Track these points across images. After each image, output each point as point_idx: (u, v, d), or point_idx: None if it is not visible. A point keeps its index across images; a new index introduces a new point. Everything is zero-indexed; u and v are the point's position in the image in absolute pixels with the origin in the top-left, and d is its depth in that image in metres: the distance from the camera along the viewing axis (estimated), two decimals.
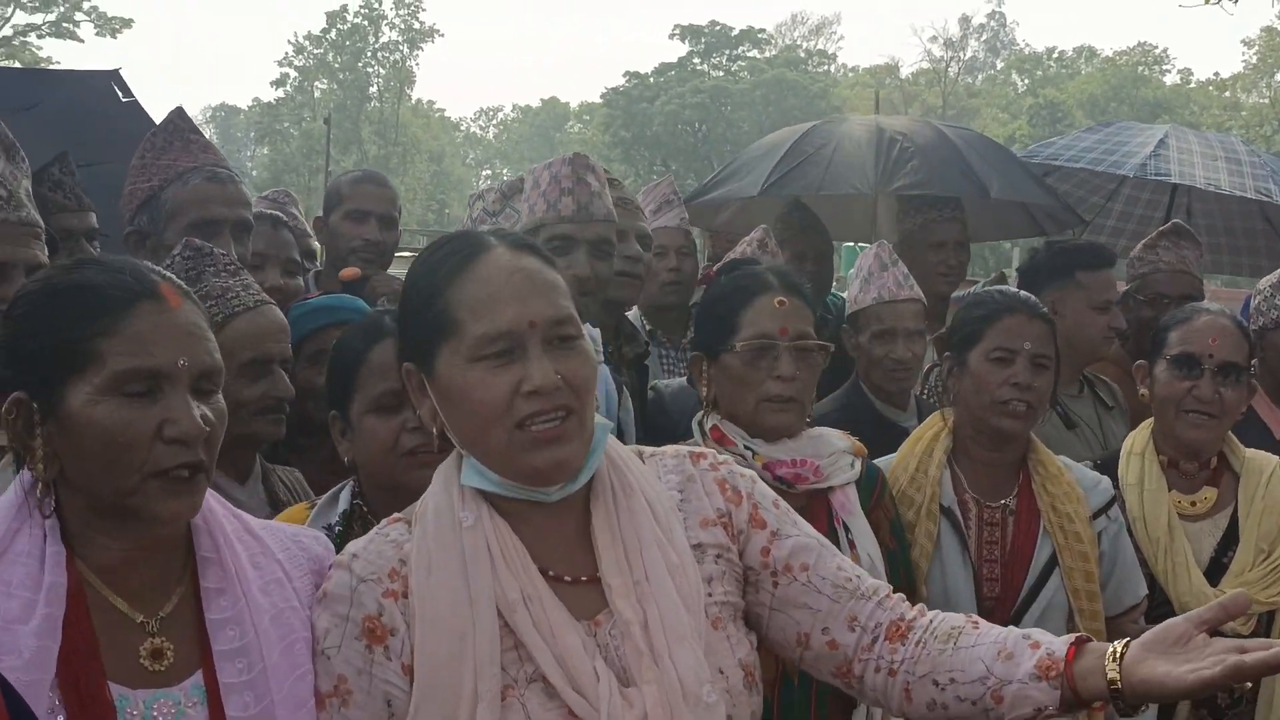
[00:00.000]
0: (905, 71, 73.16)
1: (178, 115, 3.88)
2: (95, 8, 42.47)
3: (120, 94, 5.48)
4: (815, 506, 3.09)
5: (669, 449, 2.24)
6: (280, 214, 4.46)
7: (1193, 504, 3.81)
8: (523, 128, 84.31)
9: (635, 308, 4.87)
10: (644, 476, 2.14)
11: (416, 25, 68.86)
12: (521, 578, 1.99)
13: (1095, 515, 3.52)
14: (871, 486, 3.31)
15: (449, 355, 2.00)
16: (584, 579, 2.04)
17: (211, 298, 3.01)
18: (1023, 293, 3.67)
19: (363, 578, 2.01)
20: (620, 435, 3.72)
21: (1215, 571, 3.71)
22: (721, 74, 67.15)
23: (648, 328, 5.06)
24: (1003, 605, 3.40)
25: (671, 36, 68.59)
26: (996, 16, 77.50)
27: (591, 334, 3.85)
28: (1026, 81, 73.64)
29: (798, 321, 3.14)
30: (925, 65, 74.62)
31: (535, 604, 1.97)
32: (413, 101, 71.65)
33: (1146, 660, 1.84)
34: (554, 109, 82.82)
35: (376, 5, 68.37)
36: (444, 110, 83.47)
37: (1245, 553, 3.73)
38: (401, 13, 68.51)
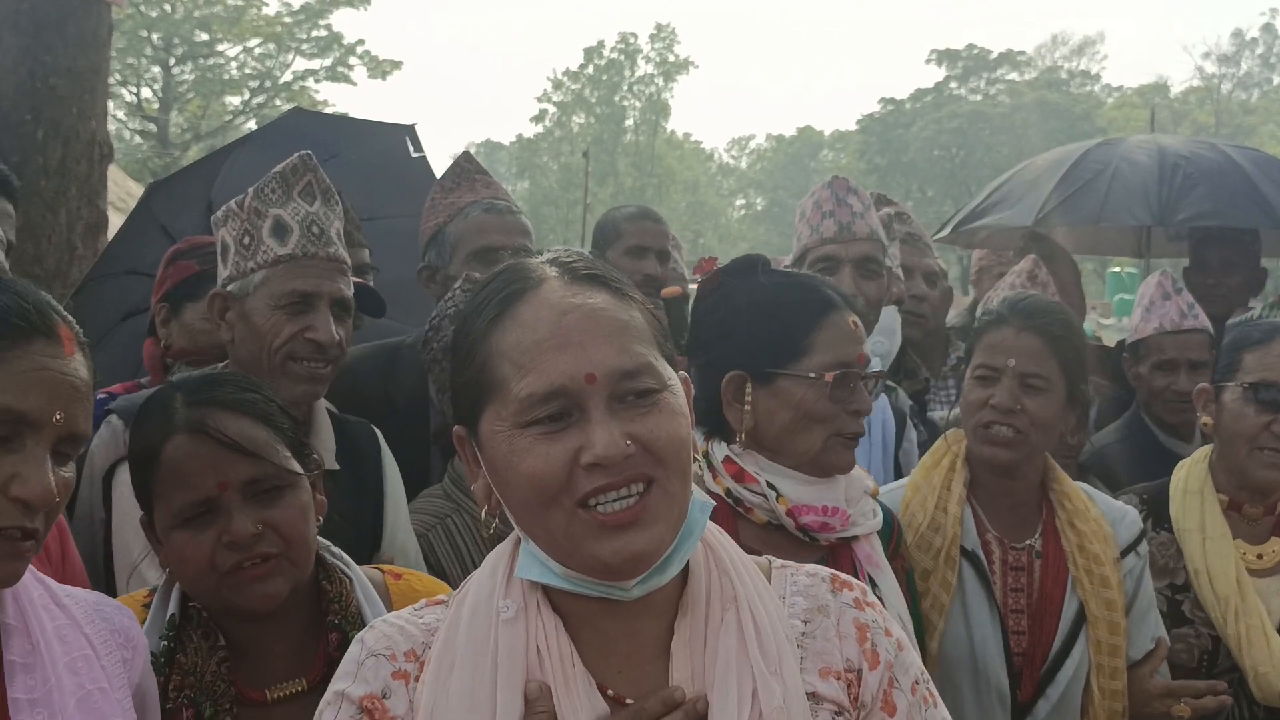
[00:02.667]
0: (1175, 90, 70.26)
1: (464, 158, 4.08)
2: (367, 51, 44.39)
3: (412, 149, 5.60)
4: (838, 557, 2.62)
5: (807, 566, 1.79)
6: (584, 252, 4.66)
7: (1259, 556, 3.28)
8: (777, 156, 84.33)
9: None
10: (757, 588, 1.68)
11: (671, 58, 69.72)
12: (564, 690, 1.56)
13: (1124, 553, 3.07)
14: (889, 533, 2.84)
15: (493, 420, 1.58)
16: None
17: None
18: (1028, 301, 3.14)
19: (373, 651, 1.64)
20: (900, 471, 3.67)
21: None
22: (980, 98, 65.79)
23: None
24: (1031, 663, 2.98)
25: (928, 61, 67.63)
26: (1271, 29, 73.76)
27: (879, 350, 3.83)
28: None
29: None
30: (1196, 83, 71.56)
31: None
32: (668, 133, 72.54)
33: None
34: (809, 137, 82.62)
35: (633, 40, 69.58)
36: (699, 141, 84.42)
37: None
38: (657, 46, 69.52)
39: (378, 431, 3.22)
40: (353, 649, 1.66)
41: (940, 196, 57.70)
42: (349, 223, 4.42)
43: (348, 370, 3.49)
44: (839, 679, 1.65)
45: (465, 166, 4.05)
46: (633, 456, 1.53)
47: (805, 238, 3.86)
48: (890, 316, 4.22)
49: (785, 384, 2.58)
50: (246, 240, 2.97)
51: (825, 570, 1.77)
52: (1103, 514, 3.08)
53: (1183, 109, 66.36)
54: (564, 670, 1.56)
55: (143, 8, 40.21)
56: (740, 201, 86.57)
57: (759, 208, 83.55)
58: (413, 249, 4.14)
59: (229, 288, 3.01)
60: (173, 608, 2.22)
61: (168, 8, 42.35)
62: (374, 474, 3.14)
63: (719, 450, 2.66)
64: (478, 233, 3.86)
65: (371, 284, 4.53)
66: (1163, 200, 6.02)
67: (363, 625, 2.18)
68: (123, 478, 2.54)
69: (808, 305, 2.65)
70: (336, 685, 1.64)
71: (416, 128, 5.85)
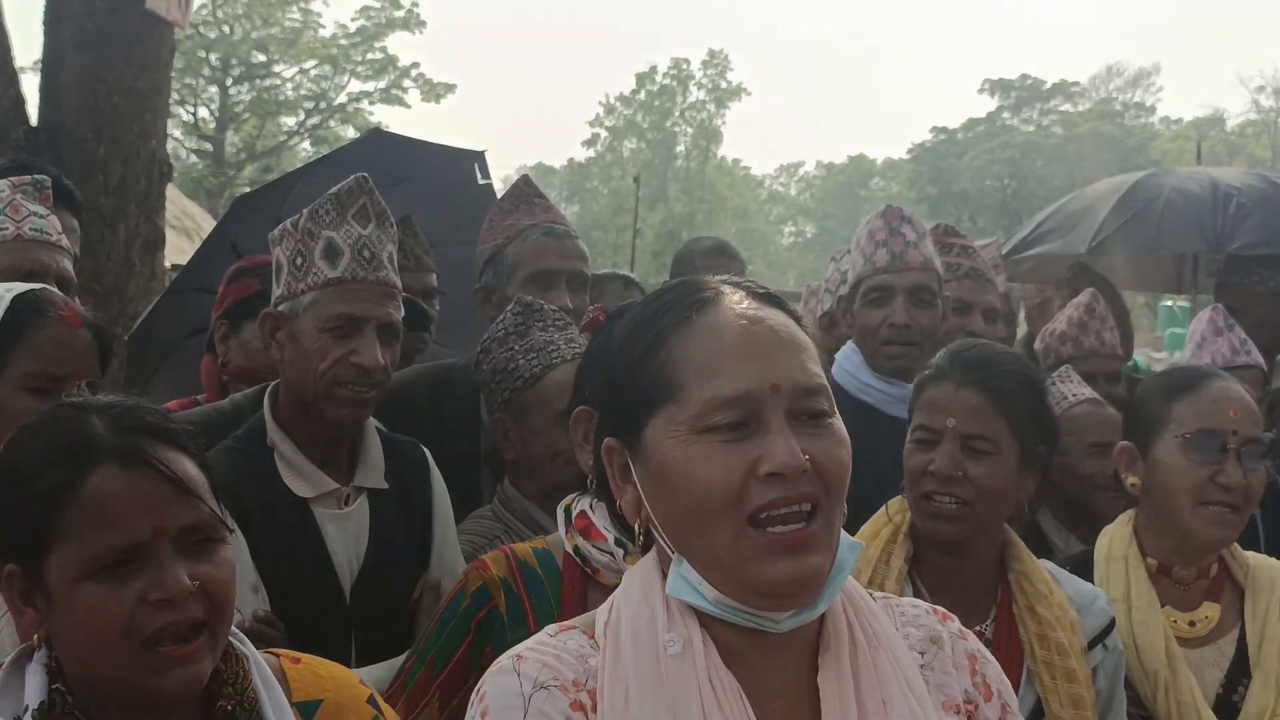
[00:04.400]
0: (1231, 123, 69.57)
1: (523, 181, 4.11)
2: (422, 74, 44.71)
3: (479, 175, 5.54)
4: None
5: (905, 599, 1.79)
6: (632, 276, 4.70)
7: (1191, 624, 2.96)
8: (827, 184, 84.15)
9: None
10: (886, 624, 1.68)
11: (724, 84, 69.74)
12: None
13: (1091, 644, 2.71)
14: None
15: (664, 425, 1.56)
16: None
17: (534, 350, 3.23)
18: (973, 352, 2.82)
19: (540, 683, 1.54)
20: None
21: (1223, 712, 2.87)
22: (1032, 128, 65.44)
23: None
24: None
25: (981, 91, 67.32)
26: None
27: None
28: None
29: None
30: (1253, 116, 70.90)
31: None
32: (718, 159, 72.54)
33: None
34: (860, 165, 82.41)
35: (685, 66, 69.64)
36: (749, 168, 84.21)
37: (1262, 690, 2.87)
38: (710, 73, 69.56)
39: (426, 451, 3.24)
40: (505, 681, 1.55)
41: (992, 227, 57.18)
42: (418, 246, 4.46)
43: (401, 391, 3.49)
44: (959, 712, 1.65)
45: (524, 189, 4.08)
46: (807, 473, 1.52)
47: (859, 267, 3.88)
48: None
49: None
50: (299, 260, 2.99)
51: (922, 603, 1.76)
52: (1068, 598, 2.74)
53: (1238, 142, 65.75)
54: (738, 710, 1.52)
55: (201, 29, 40.71)
56: (789, 229, 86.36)
57: (808, 235, 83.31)
58: (472, 275, 4.15)
59: (280, 308, 3.02)
60: (39, 694, 1.78)
61: (226, 29, 42.89)
62: (422, 493, 3.16)
63: (578, 504, 2.48)
64: (536, 256, 3.88)
65: (437, 307, 4.56)
66: (1217, 229, 5.99)
67: (258, 714, 1.87)
68: None
69: None
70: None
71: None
